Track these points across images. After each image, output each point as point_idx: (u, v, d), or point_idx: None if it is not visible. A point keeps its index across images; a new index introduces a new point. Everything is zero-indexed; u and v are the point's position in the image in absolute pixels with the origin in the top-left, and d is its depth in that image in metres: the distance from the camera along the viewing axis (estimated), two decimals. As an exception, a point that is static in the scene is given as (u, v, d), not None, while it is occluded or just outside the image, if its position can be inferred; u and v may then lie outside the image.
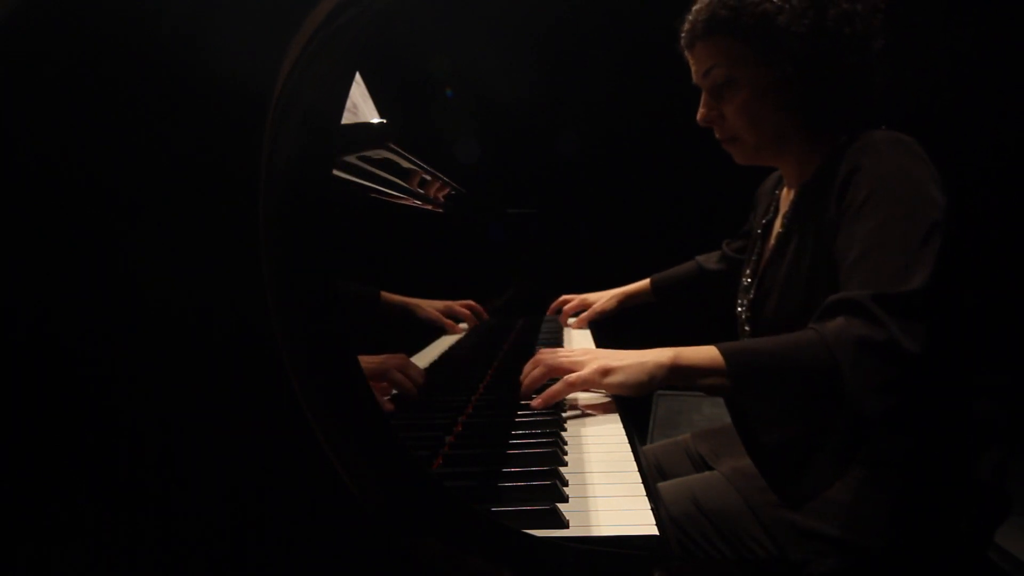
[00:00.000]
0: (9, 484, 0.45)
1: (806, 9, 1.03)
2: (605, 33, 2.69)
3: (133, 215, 0.46)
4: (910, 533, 1.01)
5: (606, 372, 1.02)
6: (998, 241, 2.45)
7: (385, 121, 1.01)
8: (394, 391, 0.85)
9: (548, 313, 1.99)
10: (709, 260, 1.75)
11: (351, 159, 0.94)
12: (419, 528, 0.50)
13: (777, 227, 1.23)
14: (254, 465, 0.46)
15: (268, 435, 0.46)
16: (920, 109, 1.71)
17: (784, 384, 0.90)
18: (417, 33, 2.35)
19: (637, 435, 1.00)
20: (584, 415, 1.10)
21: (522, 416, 1.05)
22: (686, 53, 1.18)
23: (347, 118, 1.02)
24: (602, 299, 1.86)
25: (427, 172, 1.29)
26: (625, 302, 1.85)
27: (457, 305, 1.34)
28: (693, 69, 1.18)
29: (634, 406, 1.07)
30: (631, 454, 0.90)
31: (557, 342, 1.79)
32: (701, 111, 1.17)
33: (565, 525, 0.68)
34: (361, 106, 1.16)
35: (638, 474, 0.82)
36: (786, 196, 1.25)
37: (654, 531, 0.67)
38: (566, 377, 1.05)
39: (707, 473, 1.16)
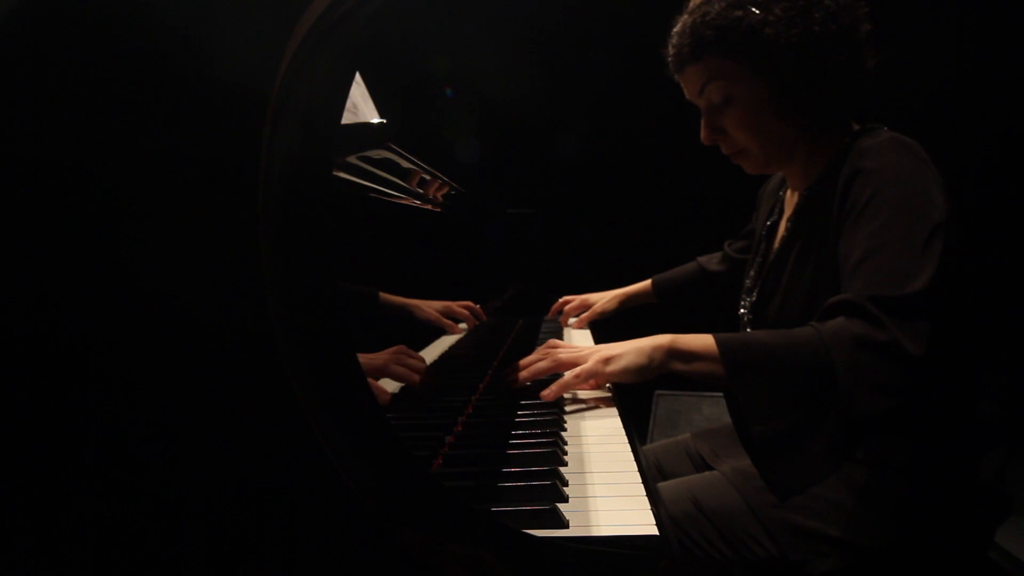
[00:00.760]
0: (10, 484, 0.45)
1: (793, 17, 1.03)
2: (605, 33, 2.69)
3: (132, 214, 0.45)
4: (910, 533, 1.01)
5: (608, 360, 1.05)
6: (999, 242, 2.45)
7: (385, 121, 1.01)
8: (401, 385, 0.85)
9: (549, 316, 1.99)
10: (711, 261, 1.75)
11: (351, 159, 0.94)
12: (418, 526, 0.50)
13: (781, 230, 1.24)
14: (253, 464, 0.46)
15: (267, 434, 0.46)
16: (920, 109, 1.71)
17: (777, 377, 0.91)
18: (417, 33, 2.35)
19: (637, 435, 1.00)
20: (584, 415, 1.10)
21: (522, 416, 1.05)
22: (676, 76, 1.17)
23: (347, 118, 1.02)
24: (603, 300, 1.86)
25: (427, 172, 1.29)
26: (626, 302, 1.85)
27: (456, 306, 1.34)
28: (686, 90, 1.17)
29: (634, 406, 1.07)
30: (631, 454, 0.90)
31: (557, 342, 1.79)
32: (703, 132, 1.17)
33: (565, 525, 0.68)
34: (361, 106, 1.16)
35: (638, 474, 0.82)
36: (790, 198, 1.25)
37: (654, 531, 0.67)
38: (572, 371, 1.08)
39: (707, 473, 1.16)
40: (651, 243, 2.31)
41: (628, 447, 0.93)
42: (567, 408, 1.12)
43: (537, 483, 0.76)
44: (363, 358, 0.71)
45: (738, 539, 1.04)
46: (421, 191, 1.31)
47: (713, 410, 2.55)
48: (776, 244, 1.23)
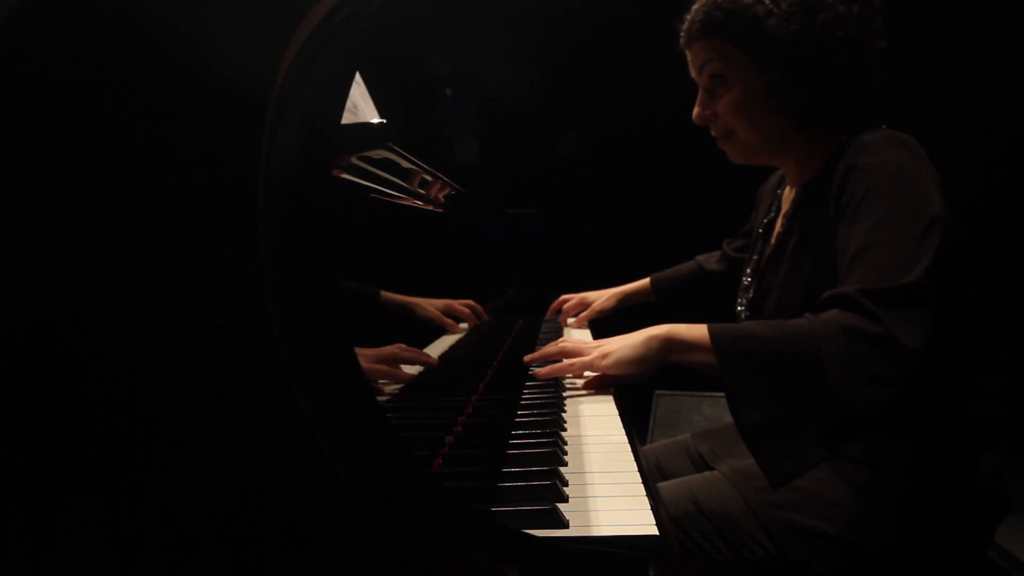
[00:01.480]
0: (10, 484, 0.45)
1: (795, 14, 1.03)
2: (605, 33, 2.69)
3: (132, 214, 0.46)
4: (910, 533, 1.01)
5: (606, 355, 1.08)
6: (998, 241, 2.45)
7: (385, 121, 1.01)
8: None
9: (548, 315, 1.99)
10: (709, 260, 1.75)
11: (351, 159, 0.94)
12: (418, 527, 0.50)
13: (778, 226, 1.24)
14: (253, 464, 0.46)
15: (267, 435, 0.46)
16: (919, 109, 1.71)
17: (767, 367, 0.91)
18: (417, 33, 2.35)
19: (637, 435, 1.00)
20: (584, 416, 1.10)
21: (522, 416, 1.05)
22: (685, 51, 1.19)
23: (347, 118, 1.02)
24: (601, 298, 1.86)
25: (427, 172, 1.29)
26: (624, 301, 1.86)
27: (457, 304, 1.35)
28: (691, 66, 1.19)
29: (634, 406, 1.08)
30: (631, 454, 0.90)
31: (557, 342, 1.79)
32: (696, 109, 1.18)
33: (565, 525, 0.68)
34: (361, 106, 1.16)
35: (638, 474, 0.82)
36: (788, 195, 1.26)
37: (654, 531, 0.67)
38: (569, 360, 1.13)
39: (707, 473, 1.16)
40: (651, 243, 2.31)
41: (628, 447, 0.94)
42: (567, 409, 1.12)
43: (537, 483, 0.76)
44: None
45: (738, 539, 1.04)
46: (421, 191, 1.31)
47: (713, 410, 2.55)
48: (773, 240, 1.24)
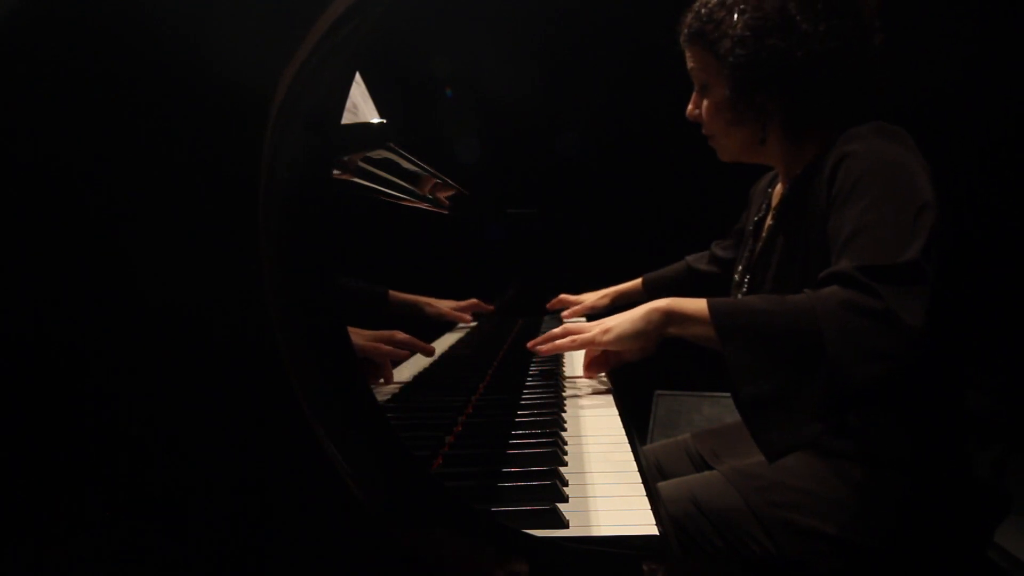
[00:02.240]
0: (11, 485, 0.45)
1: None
2: (605, 33, 2.68)
3: (133, 215, 0.46)
4: (909, 532, 1.01)
5: (607, 330, 1.10)
6: (995, 239, 2.46)
7: (385, 121, 1.01)
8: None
9: (549, 307, 1.99)
10: (699, 261, 1.76)
11: (351, 159, 0.94)
12: (422, 525, 0.50)
13: (768, 221, 1.25)
14: (255, 465, 0.46)
15: (268, 435, 0.46)
16: (916, 108, 1.71)
17: (765, 340, 0.92)
18: (417, 33, 2.35)
19: (637, 435, 1.00)
20: (584, 415, 1.10)
21: (522, 416, 1.05)
22: (683, 49, 1.22)
23: (347, 118, 1.02)
24: (593, 297, 1.87)
25: (427, 172, 1.29)
26: (617, 300, 1.87)
27: (464, 305, 1.36)
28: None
29: (634, 406, 1.08)
30: (631, 454, 0.90)
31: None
32: (689, 107, 1.23)
33: (565, 525, 0.68)
34: (361, 106, 1.16)
35: (638, 474, 0.82)
36: (778, 193, 1.26)
37: (654, 531, 0.67)
38: (570, 335, 1.15)
39: (707, 473, 1.16)
40: (651, 243, 2.30)
41: (628, 447, 0.93)
42: (567, 408, 1.12)
43: (537, 483, 0.76)
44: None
45: (737, 538, 1.04)
46: (422, 191, 1.31)
47: (713, 410, 2.55)
48: (763, 234, 1.24)
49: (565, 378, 1.36)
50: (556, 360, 1.52)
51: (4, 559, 0.45)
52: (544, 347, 1.19)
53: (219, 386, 0.46)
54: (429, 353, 0.97)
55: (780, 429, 0.89)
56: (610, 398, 1.21)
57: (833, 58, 1.05)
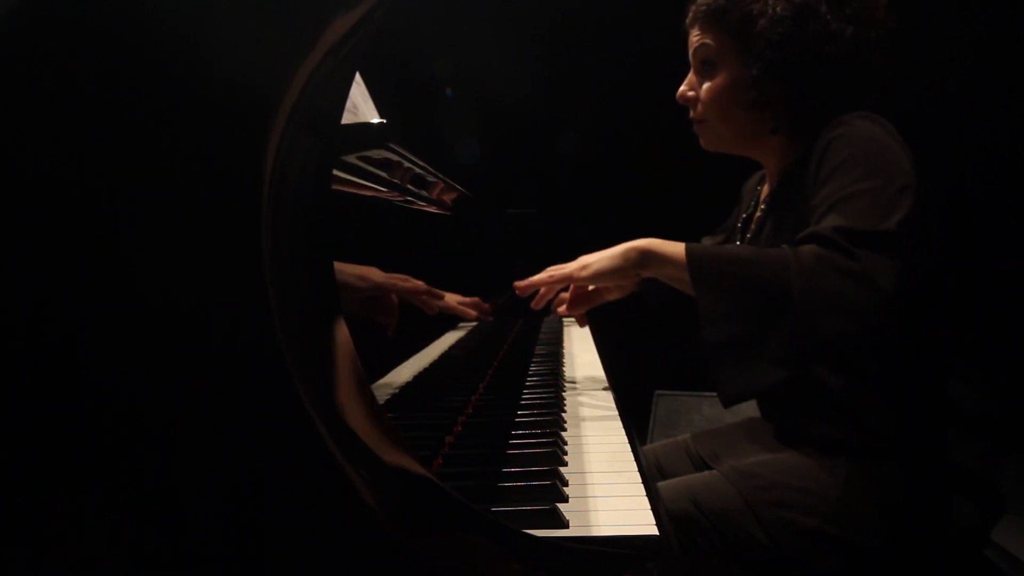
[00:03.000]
0: (11, 485, 0.45)
1: (786, 19, 1.07)
2: (605, 33, 2.68)
3: (133, 216, 0.46)
4: (909, 532, 1.01)
5: (585, 266, 1.11)
6: (992, 234, 2.46)
7: (385, 121, 1.01)
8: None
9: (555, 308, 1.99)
10: None
11: (351, 159, 0.94)
12: (426, 526, 0.50)
13: (757, 215, 1.25)
14: (258, 468, 0.46)
15: (270, 437, 0.46)
16: (916, 108, 1.71)
17: (736, 286, 0.93)
18: (417, 33, 2.35)
19: (637, 435, 1.00)
20: (584, 415, 1.10)
21: (522, 416, 1.05)
22: (689, 29, 1.21)
23: (347, 118, 1.02)
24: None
25: (427, 172, 1.29)
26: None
27: (469, 301, 1.37)
28: (689, 46, 1.21)
29: (634, 406, 1.08)
30: (631, 454, 0.90)
31: (557, 342, 1.79)
32: (682, 88, 1.22)
33: (565, 525, 0.68)
34: (361, 106, 1.16)
35: (638, 474, 0.82)
36: (766, 191, 1.27)
37: (654, 531, 0.67)
38: (550, 271, 1.17)
39: (706, 473, 1.16)
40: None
41: (628, 447, 0.94)
42: (567, 408, 1.12)
43: (537, 483, 0.76)
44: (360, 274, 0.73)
45: (737, 538, 1.04)
46: (422, 192, 1.31)
47: (713, 410, 2.55)
48: (752, 226, 1.25)
49: (565, 378, 1.36)
50: (556, 360, 1.52)
51: (4, 559, 0.45)
52: (522, 284, 1.21)
53: (221, 388, 0.46)
54: (438, 297, 0.99)
55: (740, 373, 0.90)
56: (610, 398, 1.21)
57: (847, 64, 1.07)
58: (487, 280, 1.75)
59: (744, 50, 1.11)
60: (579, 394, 1.21)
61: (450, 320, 1.31)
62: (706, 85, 1.17)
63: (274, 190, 0.45)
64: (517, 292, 1.24)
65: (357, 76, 1.14)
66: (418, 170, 1.22)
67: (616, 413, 1.10)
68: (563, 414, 1.08)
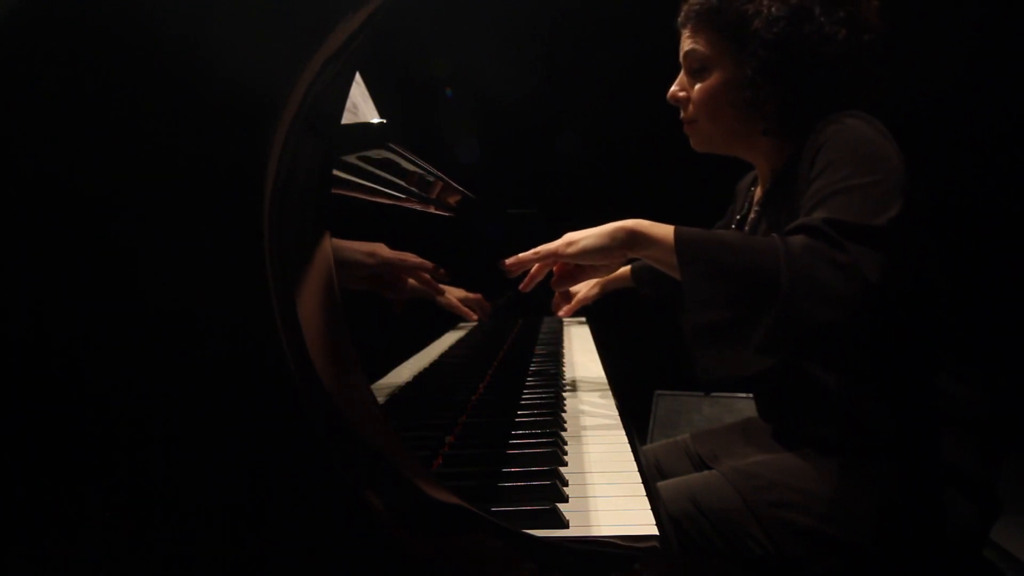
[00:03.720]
0: (12, 485, 0.45)
1: (781, 19, 1.07)
2: (605, 33, 2.69)
3: (134, 216, 0.46)
4: (904, 530, 1.01)
5: (571, 242, 1.09)
6: (989, 234, 2.46)
7: (385, 121, 1.01)
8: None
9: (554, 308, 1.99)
10: None
11: (351, 159, 0.94)
12: (429, 527, 0.50)
13: (751, 216, 1.26)
14: (261, 471, 0.46)
15: (271, 438, 0.46)
16: (908, 108, 1.71)
17: (723, 271, 0.92)
18: (417, 33, 2.35)
19: (637, 435, 1.00)
20: (584, 415, 1.10)
21: (522, 416, 1.05)
22: (680, 29, 1.21)
23: (347, 118, 1.02)
24: (584, 287, 1.87)
25: (427, 172, 1.29)
26: (607, 286, 1.86)
27: (472, 297, 1.37)
28: (680, 46, 1.21)
29: (634, 406, 1.08)
30: (631, 454, 0.90)
31: (557, 343, 1.79)
32: (672, 88, 1.22)
33: (565, 525, 0.68)
34: (361, 106, 1.16)
35: (638, 474, 0.82)
36: (759, 192, 1.27)
37: (654, 531, 0.67)
38: (536, 249, 1.14)
39: (706, 472, 1.16)
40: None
41: (628, 447, 0.94)
42: (567, 408, 1.12)
43: (537, 483, 0.76)
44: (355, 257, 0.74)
45: (736, 538, 1.04)
46: (421, 192, 1.31)
47: (713, 410, 2.55)
48: (747, 227, 1.25)
49: (565, 378, 1.36)
50: (556, 360, 1.53)
51: (4, 559, 0.45)
52: (508, 261, 1.19)
53: (223, 389, 0.46)
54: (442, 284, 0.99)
55: (721, 358, 0.90)
56: (610, 398, 1.21)
57: (839, 67, 1.08)
58: (487, 280, 1.76)
59: (738, 50, 1.11)
60: (579, 394, 1.21)
61: (450, 320, 1.31)
62: (698, 86, 1.17)
63: (277, 191, 0.45)
64: (507, 271, 1.22)
65: (357, 76, 1.14)
66: (418, 170, 1.22)
67: (616, 413, 1.10)
68: (563, 414, 1.08)
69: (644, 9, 1.84)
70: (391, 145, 0.98)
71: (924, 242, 1.03)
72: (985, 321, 2.22)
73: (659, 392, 2.64)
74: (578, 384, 1.33)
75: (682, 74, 1.21)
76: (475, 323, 1.46)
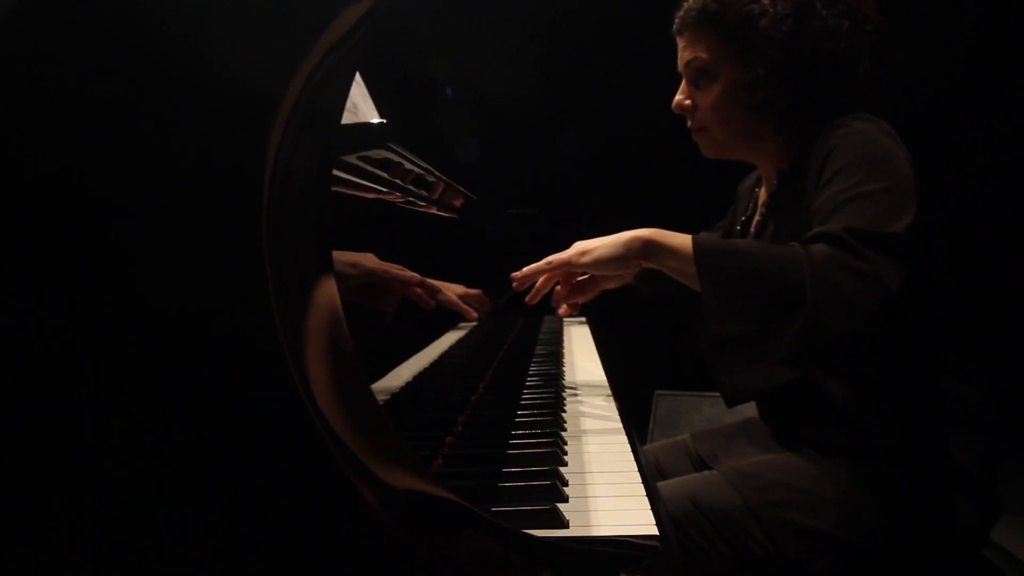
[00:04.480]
0: (12, 485, 0.45)
1: (787, 16, 1.06)
2: (605, 33, 2.69)
3: (134, 216, 0.46)
4: (908, 532, 1.01)
5: (584, 252, 1.07)
6: (989, 235, 2.46)
7: (385, 121, 1.01)
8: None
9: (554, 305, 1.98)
10: None
11: (351, 159, 0.94)
12: (431, 528, 0.50)
13: (757, 218, 1.25)
14: (259, 471, 0.46)
15: (272, 439, 0.46)
16: (913, 107, 1.71)
17: (746, 282, 0.91)
18: (417, 33, 2.35)
19: (637, 435, 1.00)
20: (584, 415, 1.10)
21: (522, 416, 1.05)
22: (676, 37, 1.20)
23: (347, 118, 1.02)
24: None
25: (427, 172, 1.29)
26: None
27: (473, 293, 1.36)
28: (679, 55, 1.20)
29: (634, 406, 1.08)
30: (631, 454, 0.90)
31: (557, 342, 1.79)
32: (677, 98, 1.20)
33: (565, 525, 0.68)
34: (361, 106, 1.16)
35: (638, 474, 0.82)
36: (763, 194, 1.27)
37: (654, 531, 0.67)
38: (548, 259, 1.11)
39: (706, 472, 1.16)
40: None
41: (628, 447, 0.94)
42: (567, 408, 1.12)
43: (537, 483, 0.76)
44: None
45: (736, 538, 1.04)
46: (421, 192, 1.31)
47: (713, 410, 2.55)
48: (752, 230, 1.25)
49: (565, 378, 1.36)
50: (556, 360, 1.53)
51: (4, 559, 0.45)
52: (519, 274, 1.17)
53: (222, 388, 0.46)
54: (434, 291, 0.97)
55: (745, 372, 0.89)
56: (610, 398, 1.21)
57: (845, 59, 1.07)
58: (487, 281, 1.75)
59: (743, 52, 1.10)
60: (579, 394, 1.21)
61: (450, 320, 1.31)
62: (705, 93, 1.15)
63: (275, 189, 0.45)
64: (515, 285, 1.21)
65: (357, 76, 1.14)
66: (418, 170, 1.22)
67: (616, 413, 1.10)
68: (563, 414, 1.08)
69: (644, 9, 1.84)
70: (391, 145, 0.98)
71: (932, 243, 1.03)
72: (985, 321, 2.22)
73: (659, 392, 2.64)
74: (578, 384, 1.33)
75: (684, 83, 1.19)
76: (475, 323, 1.46)
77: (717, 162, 1.29)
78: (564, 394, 1.21)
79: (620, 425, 1.03)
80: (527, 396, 1.17)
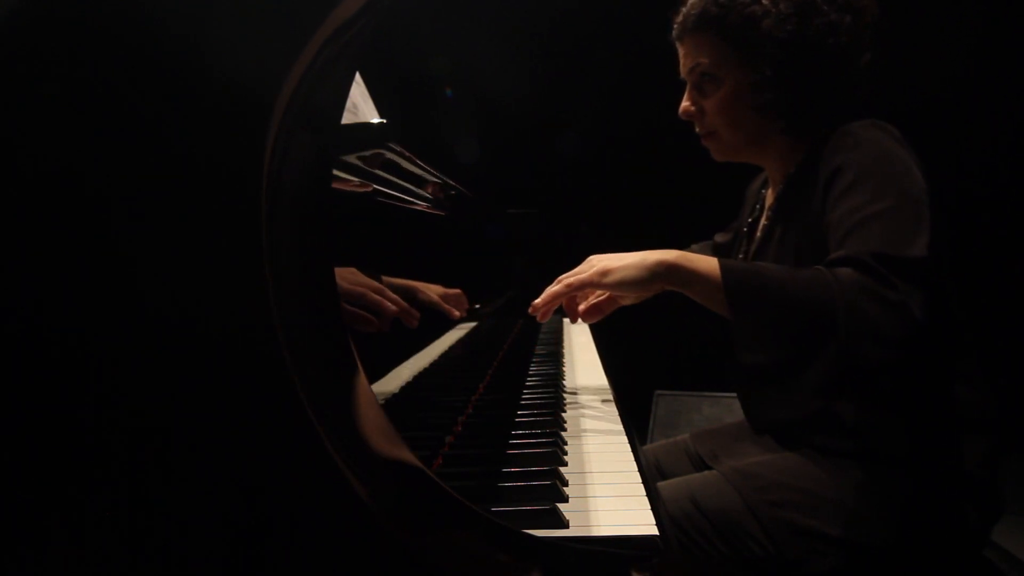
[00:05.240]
0: (12, 485, 0.45)
1: (790, 15, 1.06)
2: (605, 32, 2.69)
3: (134, 216, 0.46)
4: (908, 532, 1.01)
5: (606, 272, 1.02)
6: (991, 235, 2.46)
7: (385, 121, 1.01)
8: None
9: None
10: (703, 250, 1.75)
11: (351, 159, 0.94)
12: (431, 528, 0.50)
13: (763, 220, 1.25)
14: (256, 468, 0.46)
15: (271, 438, 0.46)
16: (913, 107, 1.71)
17: (777, 309, 0.89)
18: (417, 33, 2.35)
19: (637, 435, 1.00)
20: (584, 415, 1.10)
21: (522, 416, 1.05)
22: (676, 44, 1.19)
23: (347, 118, 1.02)
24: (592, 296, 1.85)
25: (427, 172, 1.29)
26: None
27: (452, 293, 1.34)
28: (681, 61, 1.20)
29: (634, 406, 1.07)
30: (631, 454, 0.90)
31: (557, 343, 1.79)
32: (683, 104, 1.20)
33: (565, 525, 0.68)
34: (361, 106, 1.16)
35: (638, 474, 0.82)
36: (770, 196, 1.27)
37: (654, 531, 0.67)
38: (566, 279, 1.07)
39: (706, 473, 1.16)
40: (652, 242, 2.30)
41: (628, 447, 0.94)
42: (567, 408, 1.12)
43: (537, 483, 0.76)
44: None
45: (736, 538, 1.04)
46: (421, 192, 1.31)
47: (713, 410, 2.55)
48: (758, 233, 1.24)
49: (565, 378, 1.36)
50: (556, 360, 1.53)
51: (4, 559, 0.45)
52: (539, 301, 1.11)
53: (220, 386, 0.46)
54: (413, 316, 0.92)
55: (776, 402, 0.87)
56: (610, 398, 1.21)
57: (848, 54, 1.07)
58: (487, 281, 1.75)
59: (747, 54, 1.09)
60: (579, 394, 1.21)
61: (450, 320, 1.31)
62: (711, 98, 1.15)
63: (272, 187, 0.45)
64: (539, 318, 1.14)
65: (357, 76, 1.14)
66: (418, 170, 1.22)
67: (616, 413, 1.10)
68: (563, 414, 1.08)
69: (644, 9, 1.84)
70: (391, 145, 0.98)
71: (943, 249, 1.02)
72: (985, 321, 2.22)
73: (659, 392, 2.64)
74: (578, 384, 1.33)
75: (688, 89, 1.19)
76: (475, 323, 1.46)
77: (717, 162, 1.29)
78: (564, 394, 1.21)
79: (620, 425, 1.03)
80: (527, 396, 1.17)
